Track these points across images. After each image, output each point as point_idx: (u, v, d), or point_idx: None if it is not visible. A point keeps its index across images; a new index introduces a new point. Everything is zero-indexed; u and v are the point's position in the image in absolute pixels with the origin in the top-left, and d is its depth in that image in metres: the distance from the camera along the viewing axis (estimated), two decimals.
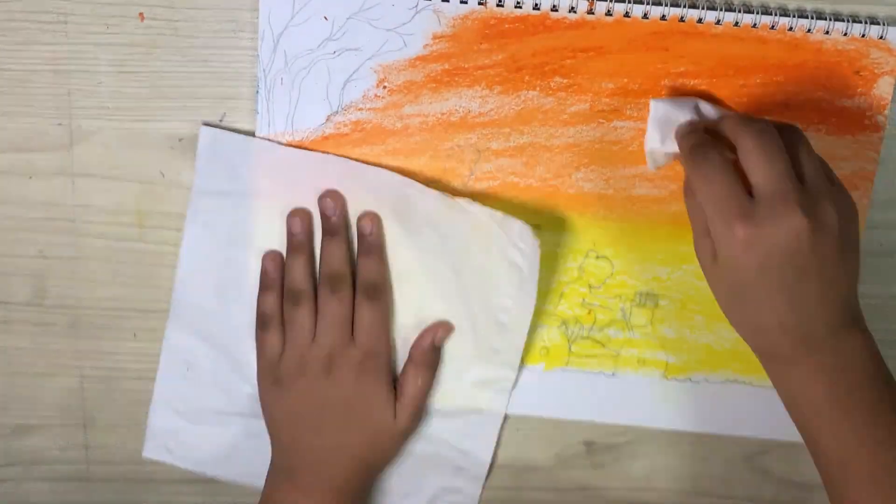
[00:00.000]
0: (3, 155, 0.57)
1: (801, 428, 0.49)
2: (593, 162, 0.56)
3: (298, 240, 0.56)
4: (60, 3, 0.54)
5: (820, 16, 0.54)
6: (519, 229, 0.56)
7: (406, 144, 0.56)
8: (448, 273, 0.57)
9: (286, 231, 0.56)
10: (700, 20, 0.54)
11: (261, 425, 0.58)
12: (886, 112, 0.56)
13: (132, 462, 0.61)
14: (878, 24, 0.54)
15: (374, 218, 0.56)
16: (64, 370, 0.60)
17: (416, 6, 0.54)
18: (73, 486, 0.62)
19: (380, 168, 0.56)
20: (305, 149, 0.56)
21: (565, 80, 0.55)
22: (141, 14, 0.54)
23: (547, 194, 0.57)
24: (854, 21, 0.54)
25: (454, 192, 0.56)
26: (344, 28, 0.54)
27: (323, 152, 0.56)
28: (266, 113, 0.56)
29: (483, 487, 0.60)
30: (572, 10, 0.54)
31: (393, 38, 0.54)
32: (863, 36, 0.54)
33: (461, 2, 0.54)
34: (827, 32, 0.54)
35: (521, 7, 0.54)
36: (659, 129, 0.53)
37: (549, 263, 0.57)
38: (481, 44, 0.54)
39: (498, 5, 0.54)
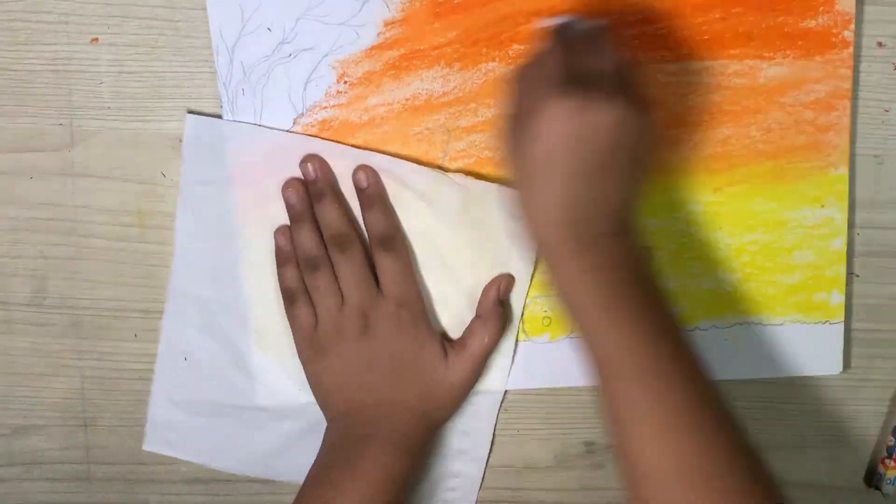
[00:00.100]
0: (3, 155, 0.57)
1: (574, 321, 0.49)
2: None
3: (298, 210, 0.56)
4: (61, 3, 0.55)
5: None
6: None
7: (375, 136, 0.56)
8: (442, 249, 0.57)
9: (285, 204, 0.56)
10: None
11: (261, 416, 0.59)
12: (852, 27, 0.55)
13: (132, 462, 0.61)
14: None
15: (367, 169, 0.56)
16: (64, 370, 0.60)
17: None
18: (74, 486, 0.62)
19: (366, 150, 0.56)
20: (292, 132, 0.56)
21: (523, 47, 0.55)
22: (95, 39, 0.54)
23: None
24: None
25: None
26: (295, 30, 0.54)
27: (319, 132, 0.56)
28: None
29: (485, 468, 0.60)
30: None
31: (345, 32, 0.54)
32: None
33: None
34: None
35: None
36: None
37: None
38: (433, 23, 0.54)
39: None
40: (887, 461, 0.61)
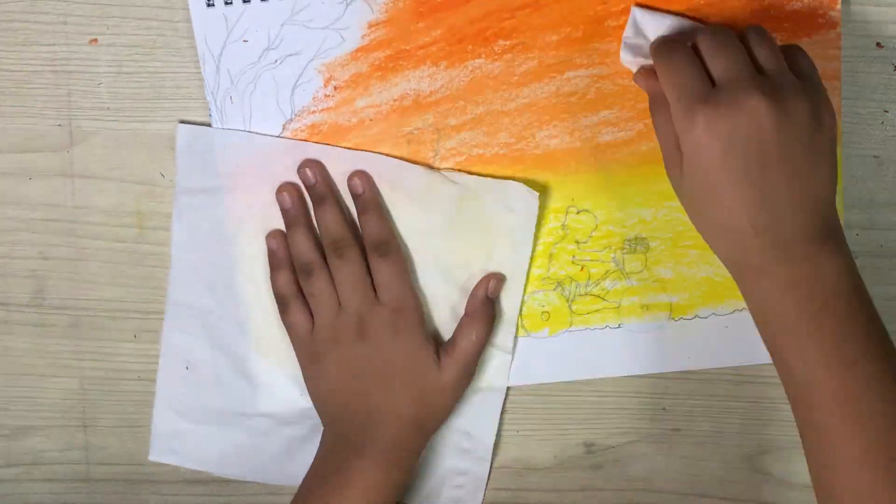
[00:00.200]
0: (2, 156, 0.57)
1: (769, 344, 0.47)
2: (554, 118, 0.56)
3: (293, 213, 0.56)
4: (59, 3, 0.55)
5: None
6: (515, 190, 0.55)
7: (366, 138, 0.56)
8: (437, 248, 0.57)
9: (280, 209, 0.56)
10: None
11: (264, 423, 0.59)
12: (838, 7, 0.55)
13: (132, 463, 0.61)
14: None
15: (362, 175, 0.56)
16: (64, 371, 0.60)
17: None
18: (73, 486, 0.62)
19: (359, 151, 0.56)
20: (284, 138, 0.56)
21: (509, 42, 0.55)
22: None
23: (514, 159, 0.56)
24: None
25: None
26: (280, 35, 0.54)
27: (308, 137, 0.56)
28: None
29: (490, 468, 0.60)
30: None
31: (330, 36, 0.54)
32: None
33: None
34: None
35: None
36: (635, 27, 0.53)
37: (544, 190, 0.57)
38: (418, 23, 0.54)
39: None
40: None
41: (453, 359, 0.56)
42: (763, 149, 0.45)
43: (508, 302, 0.58)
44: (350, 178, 0.56)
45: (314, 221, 0.57)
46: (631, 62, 0.53)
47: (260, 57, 0.54)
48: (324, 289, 0.56)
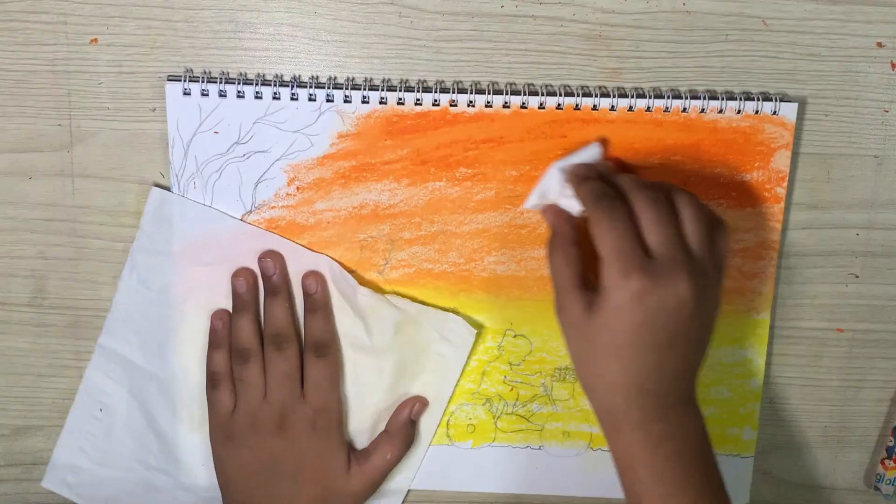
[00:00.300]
0: (2, 155, 0.57)
1: (632, 492, 0.50)
2: (503, 246, 0.57)
3: (243, 299, 0.57)
4: (60, 3, 0.55)
5: (713, 96, 0.55)
6: (454, 323, 0.57)
7: (320, 238, 0.57)
8: (368, 364, 0.58)
9: (232, 292, 0.57)
10: (595, 107, 0.55)
11: (164, 480, 0.59)
12: (785, 184, 0.57)
13: None
14: (770, 100, 0.55)
15: (318, 276, 0.57)
16: (64, 371, 0.60)
17: (320, 108, 0.55)
18: None
19: (319, 254, 0.57)
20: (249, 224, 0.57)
21: (470, 170, 0.56)
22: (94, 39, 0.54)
23: (461, 278, 0.58)
24: (747, 99, 0.55)
25: (369, 282, 0.58)
26: (251, 132, 0.55)
27: (266, 230, 0.57)
28: None
29: None
30: (471, 104, 0.55)
31: (300, 139, 0.55)
32: (756, 112, 0.55)
33: (363, 101, 0.55)
34: (721, 111, 0.55)
35: (420, 104, 0.55)
36: (551, 181, 0.54)
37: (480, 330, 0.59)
38: (385, 140, 0.56)
39: (399, 103, 0.55)
40: (887, 461, 0.61)
41: (363, 470, 0.57)
42: (676, 327, 0.48)
43: (426, 426, 0.60)
44: (306, 277, 0.57)
45: (261, 310, 0.57)
46: (537, 204, 0.55)
47: (229, 149, 0.56)
48: (254, 376, 0.56)
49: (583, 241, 0.51)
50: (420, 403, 0.59)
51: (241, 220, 0.57)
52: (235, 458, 0.57)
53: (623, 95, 0.55)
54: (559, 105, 0.55)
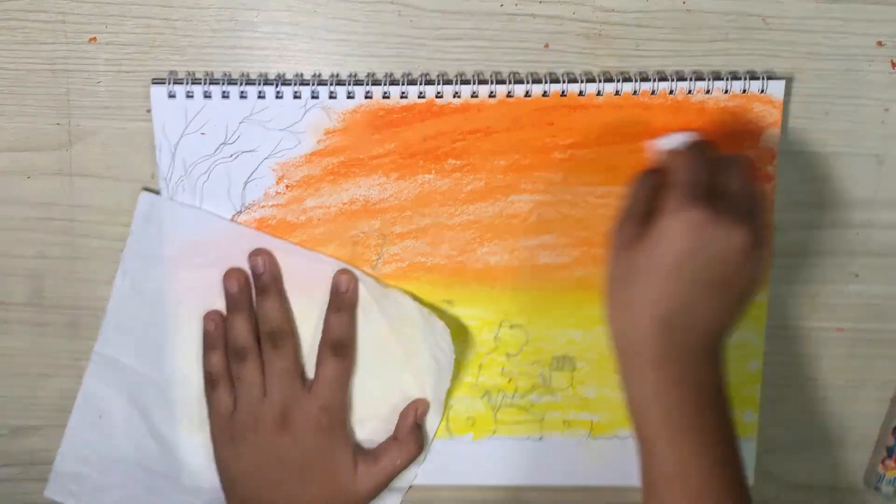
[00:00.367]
0: (1, 154, 0.57)
1: (642, 431, 0.49)
2: (496, 236, 0.57)
3: (236, 298, 0.57)
4: (58, 2, 0.54)
5: (699, 77, 0.55)
6: (441, 330, 0.57)
7: (312, 236, 0.57)
8: (372, 355, 0.58)
9: (224, 292, 0.57)
10: (581, 93, 0.55)
11: (166, 484, 0.59)
12: (776, 162, 0.56)
13: None
14: (757, 78, 0.55)
15: (349, 276, 0.57)
16: (62, 370, 0.60)
17: (305, 105, 0.55)
18: None
19: (316, 254, 0.57)
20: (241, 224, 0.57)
21: (458, 162, 0.56)
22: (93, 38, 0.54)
23: (455, 271, 0.58)
24: (734, 78, 0.55)
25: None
26: (238, 132, 0.55)
27: (257, 229, 0.57)
28: None
29: None
30: (456, 95, 0.55)
31: (287, 137, 0.55)
32: (744, 91, 0.55)
33: (348, 97, 0.55)
34: (708, 91, 0.55)
35: (406, 97, 0.55)
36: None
37: (466, 337, 0.59)
38: (373, 134, 0.56)
39: (384, 97, 0.55)
40: (887, 461, 0.61)
41: (371, 472, 0.57)
42: (721, 272, 0.47)
43: (428, 428, 0.60)
44: (338, 274, 0.57)
45: (254, 309, 0.57)
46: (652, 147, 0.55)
47: (216, 150, 0.56)
48: (253, 375, 0.56)
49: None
50: (423, 406, 0.59)
51: (232, 220, 0.57)
52: (238, 457, 0.57)
53: (609, 80, 0.55)
54: (545, 92, 0.55)
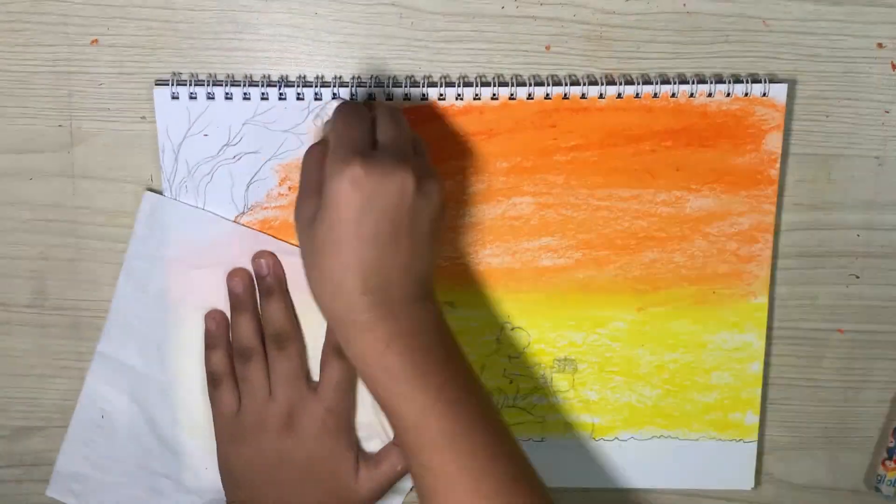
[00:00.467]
0: (3, 156, 0.57)
1: (376, 393, 0.49)
2: (497, 238, 0.58)
3: (240, 299, 0.57)
4: (61, 4, 0.55)
5: (701, 80, 0.55)
6: None
7: None
8: None
9: (228, 293, 0.57)
10: (583, 95, 0.55)
11: (168, 484, 0.59)
12: (777, 166, 0.56)
13: None
14: (759, 81, 0.55)
15: None
16: (65, 372, 0.60)
17: (308, 106, 0.55)
18: None
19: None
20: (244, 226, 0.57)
21: (461, 163, 0.56)
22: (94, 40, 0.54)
23: (457, 272, 0.58)
24: (736, 81, 0.55)
25: None
26: (241, 133, 0.55)
27: (260, 230, 0.57)
28: None
29: None
30: (459, 97, 0.55)
31: (290, 139, 0.55)
32: (746, 95, 0.55)
33: (350, 98, 0.55)
34: (710, 95, 0.55)
35: (409, 99, 0.55)
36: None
37: (468, 338, 0.59)
38: None
39: (387, 99, 0.55)
40: (887, 462, 0.61)
41: (372, 476, 0.57)
42: (398, 221, 0.47)
43: None
44: None
45: (259, 310, 0.57)
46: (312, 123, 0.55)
47: (219, 151, 0.56)
48: (258, 375, 0.56)
49: None
50: None
51: (235, 221, 0.57)
52: (242, 457, 0.57)
53: (611, 83, 0.55)
54: (548, 95, 0.55)
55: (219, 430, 0.58)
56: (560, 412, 0.60)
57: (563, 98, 0.55)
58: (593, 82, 0.55)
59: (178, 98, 0.55)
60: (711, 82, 0.55)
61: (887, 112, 0.57)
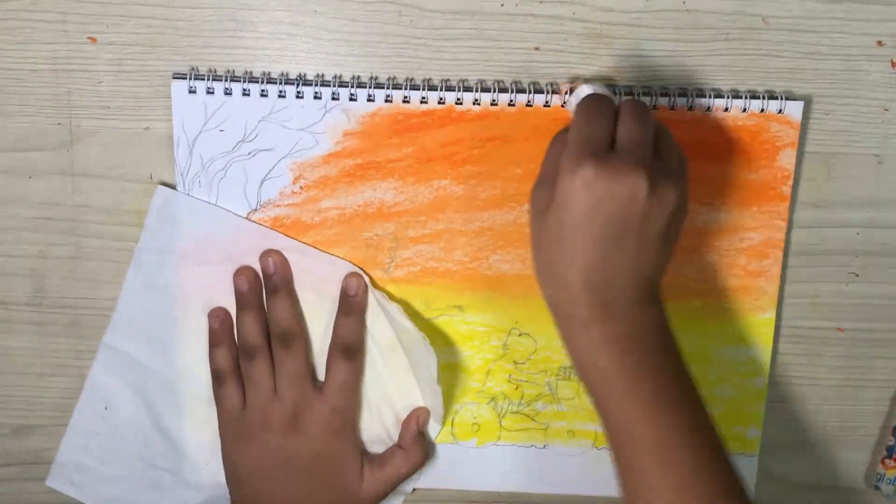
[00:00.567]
0: (2, 154, 0.57)
1: (591, 391, 0.49)
2: (508, 244, 0.57)
3: (246, 297, 0.57)
4: (60, 2, 0.54)
5: (718, 94, 0.55)
6: (432, 360, 0.56)
7: (326, 236, 0.57)
8: (378, 360, 0.58)
9: (234, 290, 0.57)
10: None
11: (169, 479, 0.60)
12: (790, 182, 0.57)
13: None
14: (776, 98, 0.55)
15: (360, 279, 0.57)
16: (64, 370, 0.60)
17: (325, 106, 0.55)
18: None
19: (328, 255, 0.57)
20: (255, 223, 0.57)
21: (475, 168, 0.56)
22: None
23: (466, 277, 0.58)
24: (752, 97, 0.55)
25: (376, 281, 0.58)
26: (256, 130, 0.55)
27: (271, 228, 0.57)
28: None
29: None
30: (476, 102, 0.55)
31: (305, 137, 0.55)
32: (762, 111, 0.55)
33: (368, 99, 0.55)
34: (726, 109, 0.55)
35: (426, 102, 0.55)
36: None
37: (475, 342, 0.59)
38: (391, 138, 0.56)
39: (404, 101, 0.55)
40: (887, 461, 0.61)
41: (376, 478, 0.57)
42: (625, 223, 0.47)
43: (429, 437, 0.60)
44: (349, 277, 0.57)
45: (265, 309, 0.57)
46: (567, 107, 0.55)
47: (234, 147, 0.56)
48: (263, 374, 0.56)
49: None
50: (424, 414, 0.59)
51: (247, 218, 0.57)
52: (246, 455, 0.57)
53: (629, 93, 0.55)
54: (564, 103, 0.55)
55: (223, 427, 0.58)
56: (564, 420, 0.60)
57: None
58: (613, 93, 0.55)
59: (194, 92, 0.55)
60: (728, 97, 0.55)
61: (887, 110, 0.57)
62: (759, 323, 0.59)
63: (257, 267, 0.57)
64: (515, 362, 0.59)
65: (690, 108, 0.55)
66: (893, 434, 0.61)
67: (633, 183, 0.46)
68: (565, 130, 0.51)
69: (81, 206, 0.57)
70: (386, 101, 0.55)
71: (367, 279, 0.57)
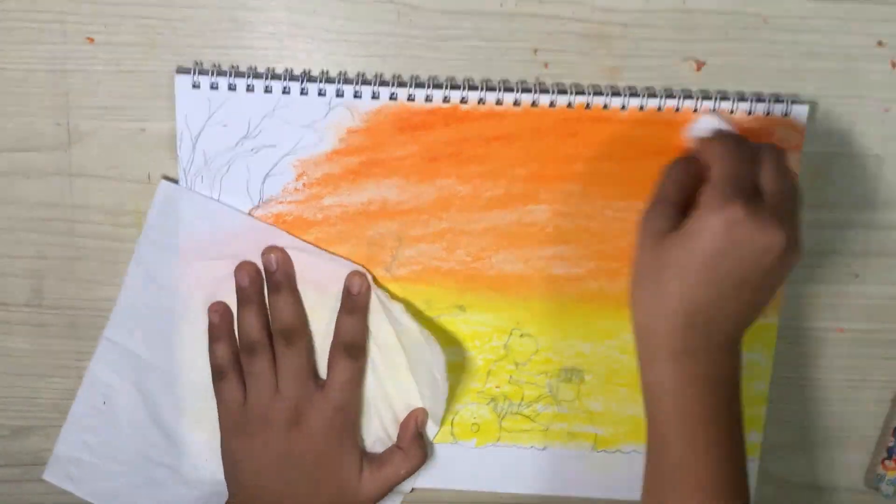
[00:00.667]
0: (0, 155, 0.57)
1: (654, 421, 0.49)
2: (512, 244, 0.57)
3: (247, 292, 0.57)
4: (57, 2, 0.54)
5: (724, 96, 0.55)
6: (438, 356, 0.56)
7: (328, 234, 0.57)
8: (379, 359, 0.58)
9: (236, 286, 0.57)
10: (605, 106, 0.55)
11: (167, 474, 0.59)
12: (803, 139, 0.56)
13: None
14: (781, 101, 0.55)
15: (363, 278, 0.57)
16: (63, 371, 0.60)
17: (329, 103, 0.55)
18: None
19: (330, 254, 0.57)
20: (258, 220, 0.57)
21: (480, 168, 0.56)
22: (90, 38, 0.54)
23: (469, 276, 0.58)
24: (758, 100, 0.55)
25: (378, 279, 0.58)
26: (260, 126, 0.55)
27: (276, 226, 0.57)
28: None
29: None
30: (481, 101, 0.55)
31: (308, 134, 0.55)
32: (767, 114, 0.55)
33: (372, 97, 0.55)
34: (732, 112, 0.55)
35: (431, 101, 0.55)
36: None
37: (476, 342, 0.59)
38: (396, 136, 0.55)
39: (409, 100, 0.55)
40: (887, 462, 0.61)
41: (375, 477, 0.57)
42: (751, 273, 0.47)
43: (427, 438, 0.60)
44: (352, 276, 0.57)
45: (266, 305, 0.57)
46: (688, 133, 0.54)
47: (237, 143, 0.55)
48: (264, 370, 0.56)
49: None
50: (423, 413, 0.59)
51: (249, 214, 0.56)
52: (247, 451, 0.57)
53: (634, 94, 0.55)
54: (570, 104, 0.55)
55: (223, 422, 0.58)
56: (564, 422, 0.60)
57: (585, 108, 0.55)
58: (616, 93, 0.55)
59: (198, 87, 0.54)
60: (733, 100, 0.55)
61: (887, 110, 0.57)
62: (762, 328, 0.59)
63: (259, 264, 0.57)
64: (516, 363, 0.59)
65: (696, 111, 0.55)
66: (894, 435, 0.61)
67: (773, 239, 0.46)
68: (686, 158, 0.50)
69: (80, 207, 0.57)
70: (391, 98, 0.55)
71: (370, 278, 0.57)
